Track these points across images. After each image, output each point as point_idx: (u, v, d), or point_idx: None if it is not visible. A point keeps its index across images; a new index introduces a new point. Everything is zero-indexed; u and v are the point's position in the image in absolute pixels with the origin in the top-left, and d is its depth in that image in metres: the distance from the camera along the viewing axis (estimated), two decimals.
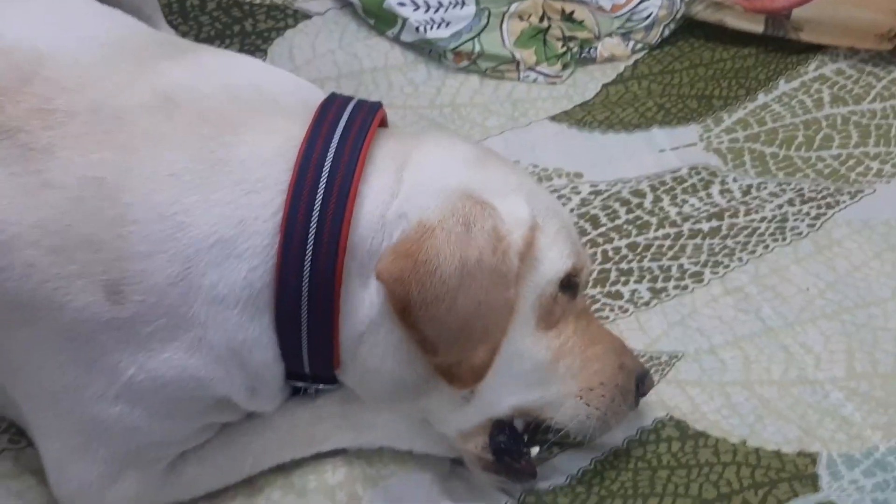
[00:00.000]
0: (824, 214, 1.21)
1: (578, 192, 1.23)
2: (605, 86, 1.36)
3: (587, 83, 1.36)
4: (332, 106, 0.86)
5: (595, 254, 1.16)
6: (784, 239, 1.18)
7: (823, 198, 1.22)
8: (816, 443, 0.98)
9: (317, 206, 0.80)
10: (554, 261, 0.86)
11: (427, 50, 1.37)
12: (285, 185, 0.81)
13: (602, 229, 1.18)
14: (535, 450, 0.93)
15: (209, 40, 1.36)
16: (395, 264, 0.80)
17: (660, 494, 0.94)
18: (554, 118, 1.32)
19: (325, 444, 0.95)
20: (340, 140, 0.82)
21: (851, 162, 1.26)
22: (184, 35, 1.34)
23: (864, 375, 1.04)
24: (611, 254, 1.16)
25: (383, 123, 0.90)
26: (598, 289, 1.12)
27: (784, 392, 1.03)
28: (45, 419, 0.87)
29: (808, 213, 1.21)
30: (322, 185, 0.80)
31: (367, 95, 1.34)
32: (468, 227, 0.80)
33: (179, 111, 0.82)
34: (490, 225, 0.81)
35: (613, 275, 1.14)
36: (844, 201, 1.22)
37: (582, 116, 1.32)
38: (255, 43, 1.37)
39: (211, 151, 0.81)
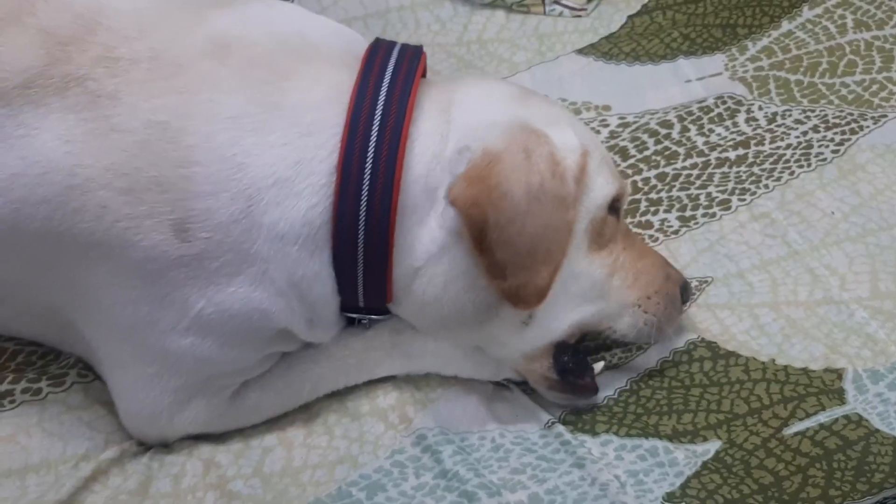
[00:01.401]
0: (848, 140, 1.23)
1: (607, 125, 1.25)
2: (630, 17, 1.37)
3: (612, 15, 1.38)
4: (378, 52, 0.90)
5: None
6: (809, 165, 1.21)
7: (847, 123, 1.25)
8: (842, 359, 1.03)
9: (371, 148, 0.84)
10: (602, 185, 0.92)
11: None
12: (339, 129, 0.85)
13: (631, 160, 1.21)
14: (598, 366, 0.99)
15: None
16: (469, 190, 0.84)
17: (693, 410, 0.99)
18: (581, 51, 1.34)
19: (376, 371, 1.00)
20: (390, 85, 0.86)
21: (875, 87, 1.28)
22: None
23: (887, 295, 1.08)
24: (640, 184, 1.19)
25: (424, 69, 0.94)
26: (629, 218, 1.16)
27: (810, 312, 1.07)
28: (120, 352, 0.92)
29: (832, 140, 1.23)
30: (375, 127, 0.84)
31: (394, 34, 1.37)
32: (528, 155, 0.85)
33: (232, 57, 0.86)
34: (547, 151, 0.86)
35: (643, 205, 1.17)
36: (868, 126, 1.24)
37: (608, 49, 1.34)
38: None
39: (265, 95, 0.85)
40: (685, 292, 0.99)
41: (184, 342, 0.87)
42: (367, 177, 0.84)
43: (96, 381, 1.00)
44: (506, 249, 0.85)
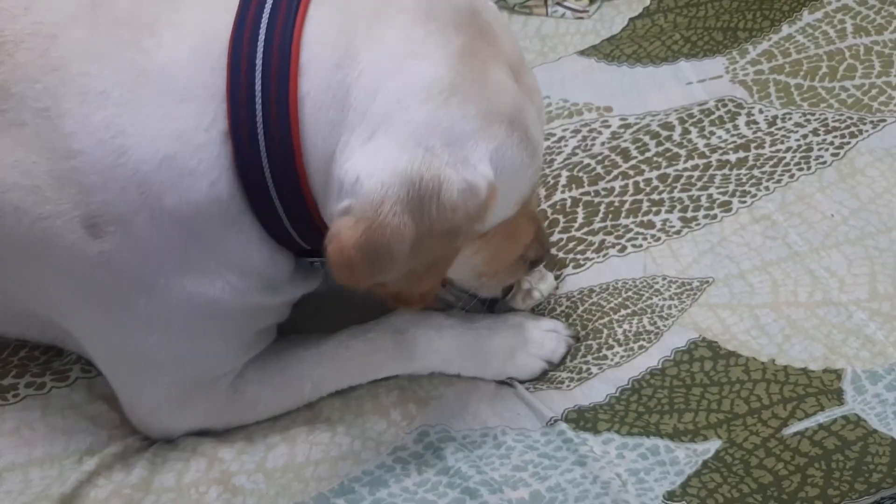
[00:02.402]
0: (847, 143, 1.24)
1: (609, 126, 1.26)
2: (631, 20, 1.38)
3: (614, 17, 1.38)
4: None
5: (626, 185, 1.20)
6: (809, 168, 1.22)
7: (847, 127, 1.26)
8: (841, 360, 1.04)
9: (258, 106, 0.73)
10: (500, 213, 0.82)
11: None
12: (216, 89, 0.74)
13: (633, 161, 1.22)
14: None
15: None
16: (343, 256, 0.73)
17: (694, 410, 1.00)
18: (583, 53, 1.34)
19: (379, 372, 1.00)
20: (270, 18, 0.73)
21: (874, 91, 1.29)
22: None
23: (886, 297, 1.09)
24: (642, 185, 1.20)
25: None
26: (632, 219, 1.17)
27: (810, 313, 1.08)
28: (100, 354, 0.91)
29: (831, 143, 1.24)
30: (258, 78, 0.72)
31: None
32: (421, 208, 0.72)
33: (100, 16, 0.77)
34: (446, 199, 0.73)
35: (645, 205, 1.18)
36: (867, 130, 1.25)
37: (610, 50, 1.35)
38: None
39: (132, 59, 0.75)
40: (536, 262, 0.98)
41: (150, 340, 0.83)
42: (260, 137, 0.73)
43: (99, 376, 1.00)
44: (388, 279, 0.77)
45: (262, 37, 0.73)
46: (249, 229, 0.80)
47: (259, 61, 0.73)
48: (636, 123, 1.26)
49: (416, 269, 0.78)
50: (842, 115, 1.27)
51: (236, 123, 0.74)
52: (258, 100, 0.73)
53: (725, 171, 1.22)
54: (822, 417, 0.99)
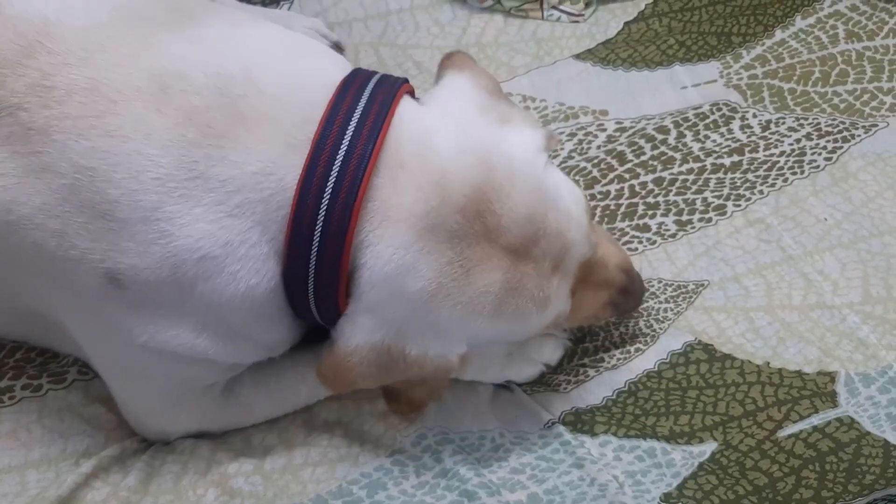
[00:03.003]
0: (840, 148, 1.25)
1: (604, 129, 1.27)
2: (626, 24, 1.39)
3: (609, 21, 1.39)
4: (330, 131, 0.79)
5: (622, 188, 1.21)
6: (802, 172, 1.23)
7: (839, 132, 1.27)
8: (835, 363, 1.05)
9: (313, 254, 0.79)
10: (519, 337, 0.92)
11: None
12: (270, 218, 0.79)
13: (629, 165, 1.23)
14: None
15: None
16: (329, 384, 0.87)
17: (690, 412, 1.01)
18: (578, 56, 1.35)
19: None
20: (333, 192, 0.78)
21: (866, 97, 1.31)
22: None
23: (878, 300, 1.10)
24: (637, 188, 1.21)
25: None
26: (627, 222, 1.17)
27: (804, 316, 1.09)
28: (97, 359, 0.92)
29: (824, 147, 1.25)
30: (317, 236, 0.79)
31: (393, 36, 1.38)
32: (387, 364, 0.84)
33: (169, 105, 0.78)
34: (412, 360, 0.84)
35: (641, 209, 1.19)
36: (859, 135, 1.27)
37: (605, 54, 1.35)
38: None
39: (194, 161, 0.78)
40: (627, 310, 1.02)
41: (142, 357, 0.85)
42: (311, 275, 0.80)
43: (96, 378, 1.00)
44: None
45: (326, 200, 0.78)
46: (276, 316, 0.84)
47: (321, 219, 0.79)
48: (632, 127, 1.27)
49: (412, 393, 0.89)
50: (834, 119, 1.28)
51: (292, 262, 0.80)
52: (314, 247, 0.79)
53: (720, 174, 1.23)
54: (816, 420, 1.00)
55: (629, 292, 0.98)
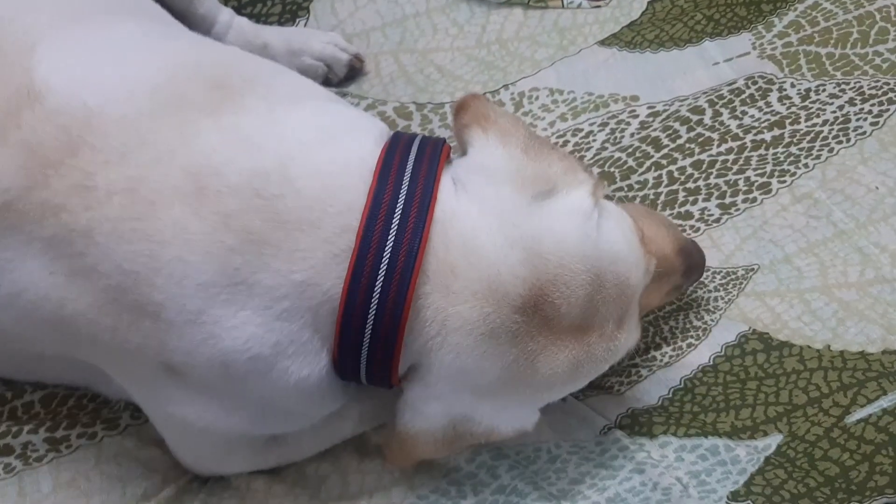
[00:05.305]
0: (886, 111, 1.20)
1: (636, 116, 1.23)
2: (650, 3, 1.34)
3: (632, 2, 1.35)
4: (368, 252, 0.77)
5: (660, 175, 1.17)
6: (848, 140, 1.18)
7: (885, 93, 1.21)
8: None
9: (364, 348, 0.79)
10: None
11: None
12: (319, 323, 0.79)
13: (665, 150, 1.19)
14: None
15: (253, 0, 1.36)
16: (396, 461, 0.88)
17: (751, 405, 0.97)
18: (603, 42, 1.31)
19: None
20: (379, 304, 0.77)
21: None
22: None
23: None
24: (676, 174, 1.17)
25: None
26: (668, 211, 1.14)
27: (863, 293, 1.04)
28: (149, 413, 0.93)
29: (869, 112, 1.20)
30: (368, 327, 0.78)
31: (412, 42, 1.35)
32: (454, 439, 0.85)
33: (207, 207, 0.77)
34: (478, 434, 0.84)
35: (681, 195, 1.15)
36: None
37: (631, 38, 1.31)
38: (297, 0, 1.38)
39: (235, 269, 0.77)
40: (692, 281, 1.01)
41: (187, 410, 0.85)
42: (364, 354, 0.80)
43: (148, 422, 0.99)
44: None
45: (371, 317, 0.78)
46: (328, 395, 0.84)
47: (368, 334, 0.78)
48: (665, 110, 1.23)
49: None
50: (878, 81, 1.22)
51: (343, 354, 0.80)
52: (363, 356, 0.80)
53: (761, 151, 1.18)
54: (885, 402, 0.96)
55: (692, 270, 0.97)
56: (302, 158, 0.79)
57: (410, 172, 0.80)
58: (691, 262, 0.96)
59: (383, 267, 0.77)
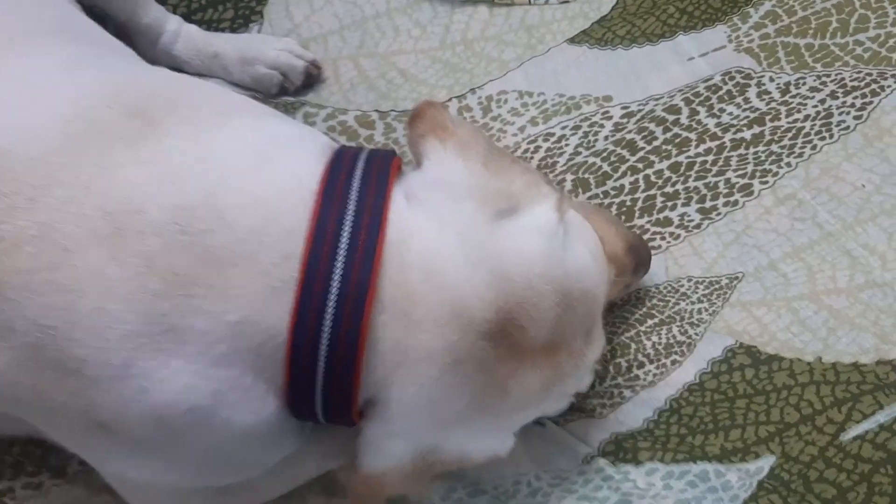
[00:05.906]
0: (870, 103, 1.15)
1: (610, 117, 1.17)
2: None
3: None
4: (314, 283, 0.70)
5: (637, 180, 1.11)
6: (831, 136, 1.13)
7: (867, 85, 1.16)
8: (895, 349, 0.95)
9: (318, 385, 0.73)
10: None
11: None
12: (261, 364, 0.72)
13: (640, 153, 1.13)
14: None
15: (203, 6, 1.29)
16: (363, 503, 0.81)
17: (741, 425, 0.92)
18: (573, 40, 1.25)
19: None
20: (330, 337, 0.71)
21: (892, 42, 1.19)
22: (175, 3, 1.28)
23: None
24: (653, 178, 1.11)
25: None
26: (646, 217, 1.08)
27: (853, 299, 0.99)
28: (91, 464, 0.85)
29: (852, 105, 1.15)
30: (320, 370, 0.72)
31: (373, 45, 1.29)
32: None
33: (126, 249, 0.70)
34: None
35: (659, 200, 1.09)
36: (889, 86, 1.16)
37: (602, 34, 1.25)
38: (249, 5, 1.31)
39: (162, 315, 0.70)
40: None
41: (125, 467, 0.78)
42: (317, 395, 0.74)
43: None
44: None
45: (323, 354, 0.72)
46: (279, 439, 0.78)
47: (321, 371, 0.72)
48: (639, 111, 1.17)
49: None
50: (860, 72, 1.17)
51: (295, 394, 0.74)
52: (318, 394, 0.73)
53: (741, 150, 1.13)
54: (881, 417, 0.91)
55: (640, 267, 0.95)
56: (232, 186, 0.72)
57: (357, 190, 0.74)
58: (639, 259, 0.95)
59: (332, 297, 0.70)
